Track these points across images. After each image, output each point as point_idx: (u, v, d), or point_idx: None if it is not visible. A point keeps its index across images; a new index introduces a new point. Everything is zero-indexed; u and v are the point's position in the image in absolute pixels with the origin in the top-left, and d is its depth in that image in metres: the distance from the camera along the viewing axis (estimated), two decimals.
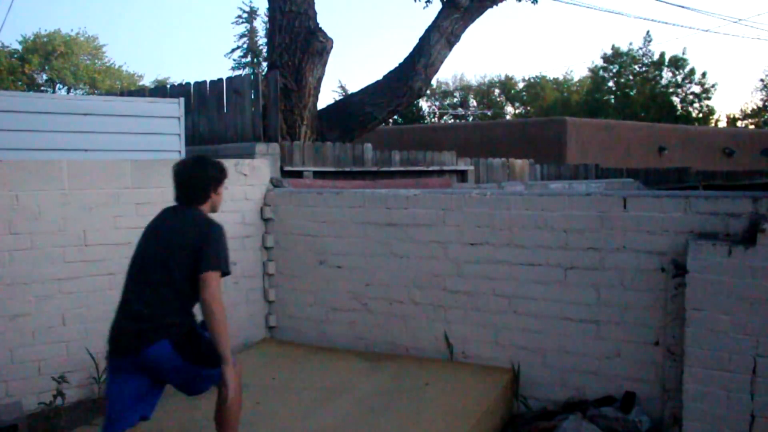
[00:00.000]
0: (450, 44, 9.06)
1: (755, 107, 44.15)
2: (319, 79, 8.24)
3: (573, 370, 4.06)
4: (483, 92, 49.12)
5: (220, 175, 3.16)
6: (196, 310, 3.00)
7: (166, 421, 3.70)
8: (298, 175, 6.55)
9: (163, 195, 4.91)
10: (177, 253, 2.92)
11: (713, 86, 40.22)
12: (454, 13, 8.97)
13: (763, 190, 3.82)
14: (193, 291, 2.92)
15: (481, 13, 9.36)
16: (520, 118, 39.39)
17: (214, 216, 3.17)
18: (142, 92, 9.37)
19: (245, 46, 39.51)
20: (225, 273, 2.95)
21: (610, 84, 41.25)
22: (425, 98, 43.22)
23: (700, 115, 39.99)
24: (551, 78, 48.29)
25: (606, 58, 40.86)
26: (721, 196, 3.58)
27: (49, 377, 4.30)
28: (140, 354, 2.85)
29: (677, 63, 38.98)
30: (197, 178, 3.10)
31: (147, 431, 3.26)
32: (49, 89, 35.23)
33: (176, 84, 7.97)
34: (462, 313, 4.47)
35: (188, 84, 7.56)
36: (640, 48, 39.84)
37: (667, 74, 39.61)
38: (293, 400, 4.02)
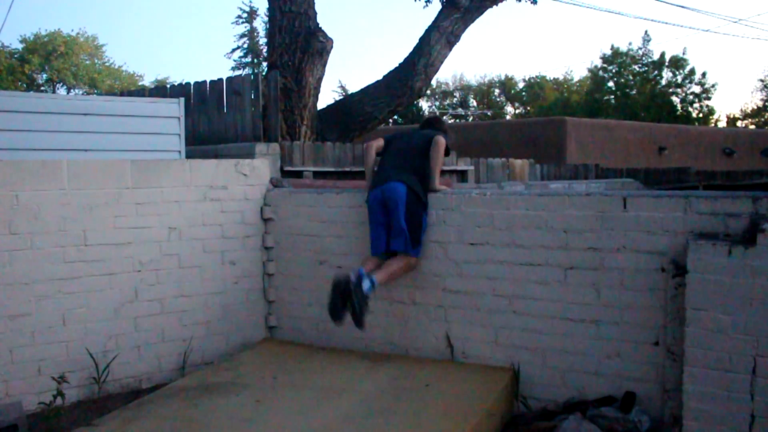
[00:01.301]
0: (450, 44, 9.06)
1: (755, 107, 44.20)
2: (319, 79, 8.24)
3: (573, 370, 4.06)
4: (483, 92, 49.15)
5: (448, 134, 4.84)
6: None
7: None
8: (298, 175, 6.55)
9: (163, 195, 4.93)
10: (420, 146, 4.62)
11: (713, 86, 40.31)
12: (454, 13, 8.98)
13: (763, 190, 3.81)
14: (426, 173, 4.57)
15: (481, 13, 9.36)
16: (520, 118, 39.40)
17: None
18: (142, 92, 9.37)
19: (245, 46, 39.49)
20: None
21: (610, 84, 41.26)
22: (425, 98, 43.23)
23: (700, 115, 40.01)
24: (551, 78, 48.36)
25: (605, 58, 40.88)
26: (721, 196, 3.58)
27: (49, 377, 4.30)
28: (385, 184, 4.43)
29: (677, 63, 39.01)
30: (436, 127, 4.96)
31: None
32: (49, 89, 35.24)
33: (176, 84, 7.98)
34: (462, 313, 4.47)
35: (188, 84, 7.56)
36: (640, 48, 39.88)
37: (667, 74, 39.64)
38: (293, 399, 4.02)
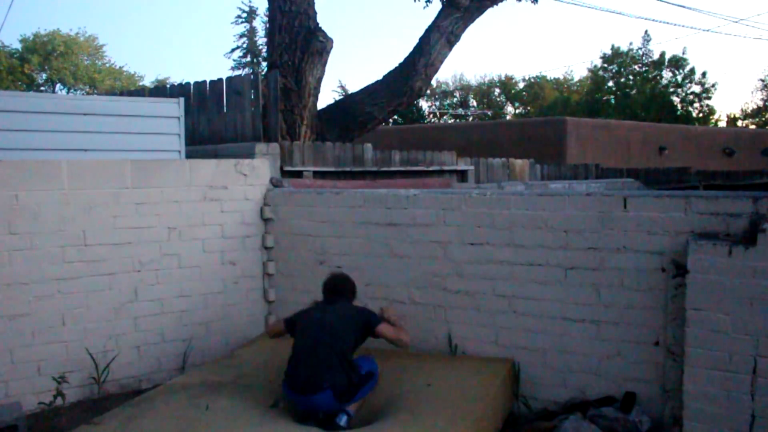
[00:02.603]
0: (450, 44, 9.06)
1: (755, 107, 44.18)
2: (319, 79, 8.24)
3: (573, 370, 4.06)
4: (483, 92, 49.12)
5: (355, 289, 4.31)
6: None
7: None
8: (298, 175, 6.55)
9: (163, 195, 4.93)
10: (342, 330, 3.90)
11: (713, 86, 40.24)
12: (454, 12, 8.97)
13: (763, 190, 3.82)
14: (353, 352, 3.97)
15: (481, 12, 9.35)
16: (520, 118, 39.39)
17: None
18: (142, 92, 9.37)
19: (245, 46, 39.50)
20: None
21: (610, 84, 41.25)
22: (425, 98, 43.22)
23: (700, 115, 39.98)
24: (551, 78, 48.35)
25: (605, 58, 40.86)
26: (721, 196, 3.58)
27: (49, 377, 4.31)
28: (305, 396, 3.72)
29: (677, 63, 38.98)
30: (345, 287, 4.24)
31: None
32: (48, 89, 35.24)
33: (176, 84, 7.97)
34: (462, 313, 4.47)
35: (188, 84, 7.55)
36: (640, 48, 39.87)
37: (667, 74, 39.62)
38: None
